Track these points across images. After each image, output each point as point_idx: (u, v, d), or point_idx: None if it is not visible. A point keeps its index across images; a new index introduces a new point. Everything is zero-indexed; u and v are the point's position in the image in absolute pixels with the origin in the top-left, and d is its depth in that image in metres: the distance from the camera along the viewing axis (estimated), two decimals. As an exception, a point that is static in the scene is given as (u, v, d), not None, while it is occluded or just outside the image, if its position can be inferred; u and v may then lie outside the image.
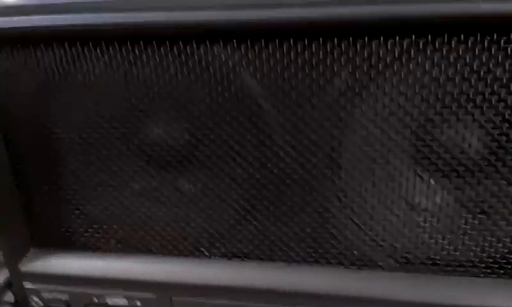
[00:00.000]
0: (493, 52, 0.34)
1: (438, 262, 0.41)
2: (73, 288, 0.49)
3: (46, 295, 0.50)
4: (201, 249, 0.46)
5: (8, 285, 0.52)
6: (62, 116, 0.43)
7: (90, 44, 0.39)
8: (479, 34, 0.33)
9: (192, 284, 0.46)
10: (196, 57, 0.38)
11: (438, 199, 0.40)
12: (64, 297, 0.49)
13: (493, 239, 0.40)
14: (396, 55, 0.35)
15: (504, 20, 0.32)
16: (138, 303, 0.48)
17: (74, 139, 0.44)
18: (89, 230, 0.48)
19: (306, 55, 0.36)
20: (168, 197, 0.45)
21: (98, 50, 0.39)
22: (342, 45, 0.35)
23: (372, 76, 0.36)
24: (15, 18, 0.39)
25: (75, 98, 0.42)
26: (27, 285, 0.50)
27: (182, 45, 0.38)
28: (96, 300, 0.49)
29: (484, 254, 0.41)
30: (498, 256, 0.40)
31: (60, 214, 0.47)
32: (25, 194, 0.47)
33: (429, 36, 0.34)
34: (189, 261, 0.46)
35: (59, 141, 0.44)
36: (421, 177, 0.40)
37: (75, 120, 0.43)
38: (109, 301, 0.48)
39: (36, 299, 0.50)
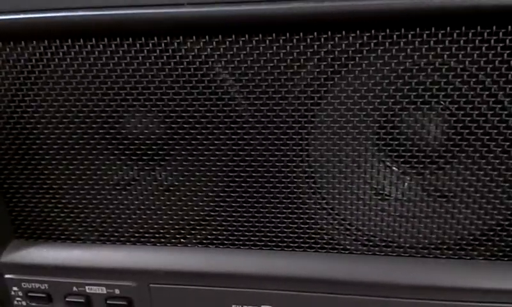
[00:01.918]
0: (446, 44, 0.36)
1: (402, 245, 0.44)
2: (54, 278, 0.50)
3: (26, 285, 0.51)
4: (178, 237, 0.47)
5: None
6: (40, 110, 0.44)
7: (68, 40, 0.41)
8: (433, 27, 0.36)
9: (170, 271, 0.47)
10: (170, 51, 0.40)
11: (400, 185, 0.42)
12: (44, 286, 0.50)
13: (453, 222, 0.42)
14: (357, 48, 0.37)
15: (453, 14, 0.34)
16: (117, 291, 0.49)
17: (53, 132, 0.45)
18: (69, 221, 0.49)
19: (275, 49, 0.38)
20: (144, 188, 0.47)
21: (76, 46, 0.41)
22: (308, 39, 0.37)
23: (336, 68, 0.38)
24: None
25: (53, 92, 0.43)
26: (8, 276, 0.51)
27: (156, 40, 0.40)
28: (76, 290, 0.50)
29: (445, 236, 0.43)
30: (458, 238, 0.43)
31: (41, 206, 0.49)
32: (6, 186, 0.48)
33: (387, 30, 0.36)
34: (166, 249, 0.48)
35: (38, 134, 0.45)
36: (385, 164, 0.42)
37: (53, 114, 0.44)
38: (89, 290, 0.50)
39: (16, 289, 0.51)
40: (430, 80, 0.38)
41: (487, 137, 0.38)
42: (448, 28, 0.36)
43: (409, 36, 0.36)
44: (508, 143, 0.38)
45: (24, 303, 0.52)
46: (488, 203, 0.41)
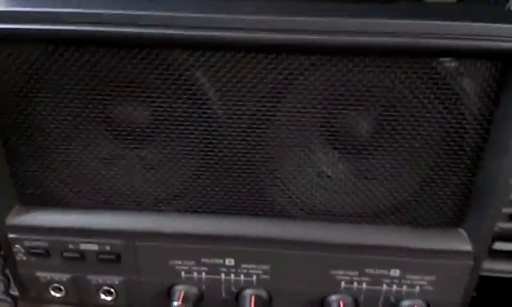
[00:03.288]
0: (366, 68, 0.48)
1: (335, 213, 0.57)
2: (52, 237, 0.59)
3: (27, 244, 0.59)
4: (159, 204, 0.58)
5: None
6: (45, 97, 0.53)
7: (72, 46, 0.49)
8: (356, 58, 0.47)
9: (152, 232, 0.58)
10: (158, 60, 0.49)
11: (336, 167, 0.55)
12: (44, 244, 0.59)
13: (372, 197, 0.56)
14: (300, 70, 0.48)
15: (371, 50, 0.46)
16: (108, 248, 0.59)
17: (54, 116, 0.53)
18: (66, 190, 0.58)
19: (242, 64, 0.49)
20: (130, 163, 0.56)
21: (79, 52, 0.50)
22: (263, 60, 0.48)
23: (286, 81, 0.49)
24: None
25: (57, 86, 0.51)
26: (11, 235, 0.59)
27: (146, 51, 0.49)
28: (72, 247, 0.59)
29: (366, 208, 0.56)
30: (375, 209, 0.56)
31: (41, 176, 0.57)
32: (11, 158, 0.56)
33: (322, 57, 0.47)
34: (149, 215, 0.58)
35: (40, 114, 0.53)
36: (326, 151, 0.54)
37: (56, 103, 0.53)
38: (83, 247, 0.59)
39: (18, 246, 0.60)
40: (359, 93, 0.50)
41: (401, 133, 0.51)
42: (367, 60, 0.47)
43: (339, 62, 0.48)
44: (414, 139, 0.51)
45: (24, 258, 0.61)
46: (399, 183, 0.54)
